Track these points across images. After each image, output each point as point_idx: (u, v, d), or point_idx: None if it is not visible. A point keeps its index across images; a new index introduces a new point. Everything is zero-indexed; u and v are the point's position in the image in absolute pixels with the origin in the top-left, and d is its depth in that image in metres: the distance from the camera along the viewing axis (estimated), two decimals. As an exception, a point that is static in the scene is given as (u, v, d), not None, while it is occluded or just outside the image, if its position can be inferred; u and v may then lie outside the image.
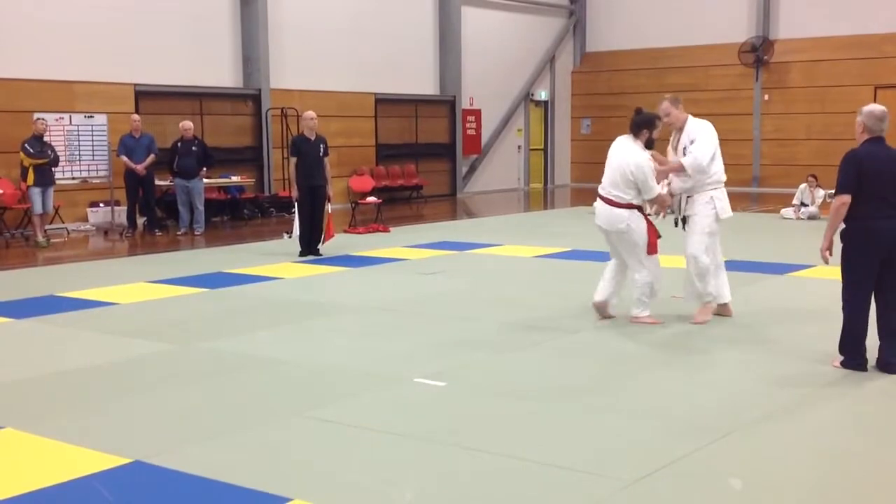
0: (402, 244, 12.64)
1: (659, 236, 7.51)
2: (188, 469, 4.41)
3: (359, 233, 13.98)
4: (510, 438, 4.87)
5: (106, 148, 14.38)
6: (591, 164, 22.22)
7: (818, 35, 21.23)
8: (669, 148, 7.80)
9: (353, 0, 19.06)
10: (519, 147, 23.79)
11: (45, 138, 13.08)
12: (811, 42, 21.35)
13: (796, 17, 21.58)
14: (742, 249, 11.65)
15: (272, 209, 16.81)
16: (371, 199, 15.61)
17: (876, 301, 6.02)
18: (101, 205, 14.99)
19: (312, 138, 11.60)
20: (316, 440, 4.89)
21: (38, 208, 12.91)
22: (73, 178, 14.22)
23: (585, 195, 20.17)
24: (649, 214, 7.63)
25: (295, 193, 11.57)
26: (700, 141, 7.48)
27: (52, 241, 13.19)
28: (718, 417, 5.15)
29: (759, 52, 21.70)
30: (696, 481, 4.28)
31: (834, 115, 21.03)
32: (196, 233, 14.23)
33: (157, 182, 14.72)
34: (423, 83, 21.01)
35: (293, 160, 11.61)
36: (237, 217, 16.25)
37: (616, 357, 6.60)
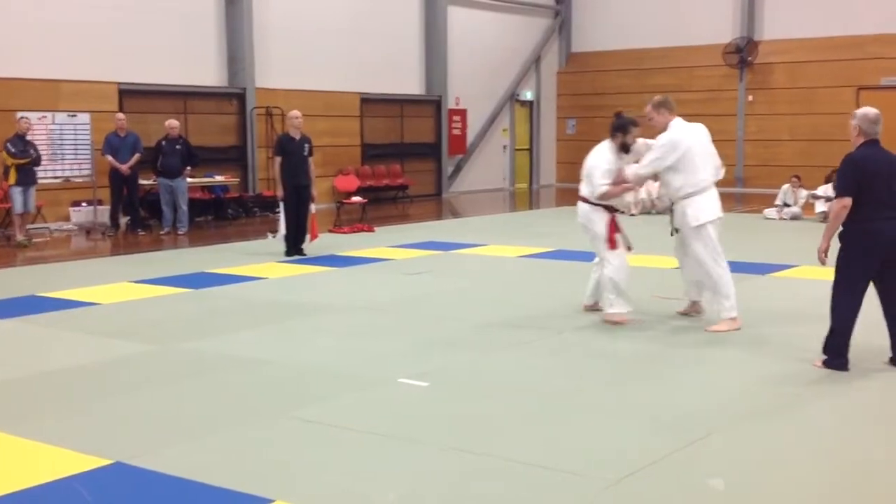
0: (387, 244, 12.63)
1: (618, 231, 7.58)
2: (169, 470, 4.39)
3: (344, 232, 13.96)
4: (494, 439, 4.87)
5: (89, 147, 14.29)
6: (576, 165, 22.18)
7: (802, 36, 21.33)
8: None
9: (340, 0, 19.02)
10: (504, 147, 23.80)
11: (28, 137, 12.99)
12: (795, 43, 21.45)
13: (780, 19, 21.67)
14: (725, 249, 11.68)
15: (256, 209, 16.76)
16: (356, 198, 15.60)
17: (882, 300, 6.06)
18: (84, 204, 14.90)
19: (297, 137, 11.57)
20: (299, 441, 4.87)
21: (18, 207, 12.83)
22: (56, 178, 14.13)
23: (571, 195, 20.17)
24: (633, 214, 7.73)
25: (280, 193, 11.54)
26: (650, 152, 7.41)
27: (33, 240, 13.11)
28: (701, 417, 5.16)
29: (743, 53, 21.79)
30: (679, 480, 4.29)
31: (817, 116, 21.14)
32: (179, 232, 14.17)
33: (141, 181, 14.65)
34: (409, 83, 20.99)
35: (278, 159, 11.57)
36: (221, 217, 16.20)
37: (600, 357, 6.61)
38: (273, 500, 4.04)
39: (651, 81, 22.86)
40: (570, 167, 23.88)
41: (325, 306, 8.46)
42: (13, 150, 12.71)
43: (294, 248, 11.52)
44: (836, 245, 6.12)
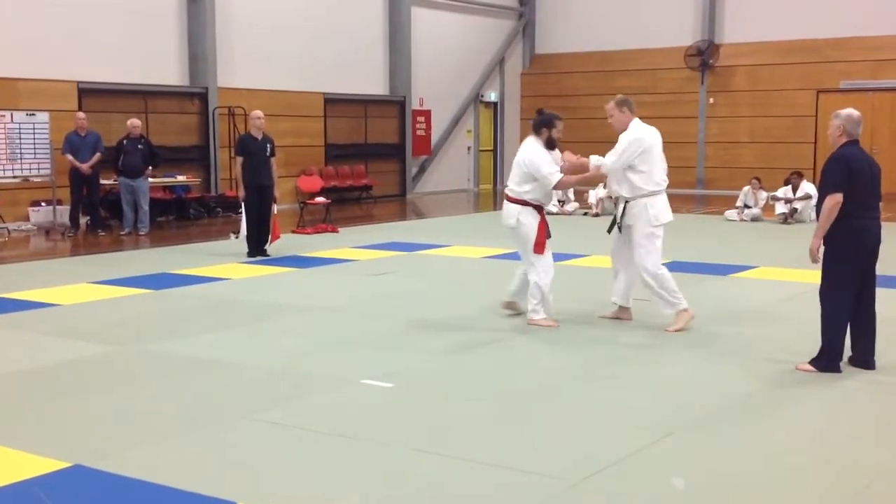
0: (350, 245, 12.60)
1: (548, 236, 7.51)
2: (130, 473, 4.34)
3: (307, 233, 13.89)
4: (458, 440, 4.87)
5: (48, 146, 14.10)
6: (539, 166, 22.31)
7: (762, 39, 21.60)
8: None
9: (303, -1, 18.96)
10: (469, 148, 23.84)
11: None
12: (755, 46, 21.71)
13: (741, 22, 21.93)
14: (686, 250, 11.80)
15: (219, 209, 16.63)
16: (320, 199, 15.53)
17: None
18: (43, 204, 14.70)
19: (259, 138, 11.51)
20: (262, 443, 4.84)
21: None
22: (15, 177, 13.93)
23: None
24: (585, 213, 7.67)
25: (242, 193, 11.46)
26: (616, 147, 7.39)
27: (-9, 240, 12.92)
28: (664, 416, 5.21)
29: (704, 56, 22.02)
30: (642, 480, 4.32)
31: (776, 119, 21.43)
32: (141, 233, 14.03)
33: (102, 181, 14.47)
34: (373, 83, 20.95)
35: (240, 159, 11.50)
36: (183, 217, 16.06)
37: (565, 357, 6.64)
38: (236, 503, 4.01)
39: (614, 83, 23.00)
40: (534, 168, 23.98)
41: (289, 307, 8.42)
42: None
43: (257, 248, 11.45)
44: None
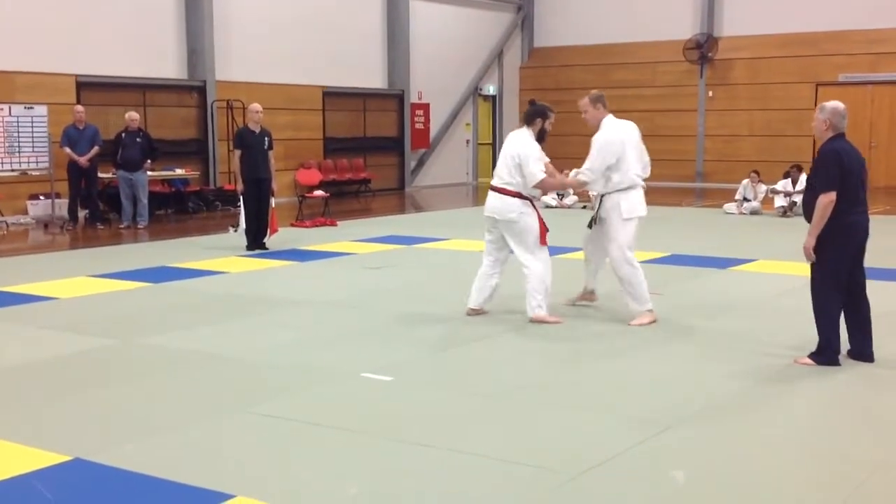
0: (349, 238, 12.59)
1: (547, 229, 7.43)
2: (129, 466, 4.35)
3: (305, 227, 13.89)
4: (456, 433, 4.88)
5: (46, 139, 14.09)
6: (538, 159, 22.33)
7: (761, 33, 21.59)
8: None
9: (301, -8, 18.93)
10: (467, 141, 23.83)
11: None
12: (754, 39, 21.70)
13: (740, 15, 21.91)
14: (685, 244, 11.81)
15: (217, 202, 16.62)
16: (318, 192, 15.51)
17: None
18: (42, 197, 14.70)
19: (257, 131, 11.50)
20: (260, 436, 4.85)
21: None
22: (13, 170, 13.92)
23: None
24: (584, 206, 7.57)
25: (240, 187, 11.45)
26: (591, 154, 7.34)
27: (-10, 234, 12.91)
28: (662, 411, 5.21)
29: (703, 49, 21.99)
30: (640, 474, 4.33)
31: (776, 112, 21.42)
32: (139, 226, 14.02)
33: (100, 174, 14.46)
34: (372, 77, 20.93)
35: (237, 153, 11.49)
36: (182, 210, 16.05)
37: (562, 352, 6.64)
38: (233, 496, 4.01)
39: (613, 77, 23.00)
40: (533, 162, 23.97)
41: (287, 301, 8.42)
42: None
43: (255, 242, 11.45)
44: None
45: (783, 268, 9.95)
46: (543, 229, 7.38)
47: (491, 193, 7.47)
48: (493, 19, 23.94)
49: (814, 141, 20.84)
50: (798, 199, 15.23)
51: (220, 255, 11.08)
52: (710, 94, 22.34)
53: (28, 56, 14.62)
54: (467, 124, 23.79)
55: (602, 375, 6.02)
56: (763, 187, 15.94)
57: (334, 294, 8.71)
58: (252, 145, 11.39)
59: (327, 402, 5.43)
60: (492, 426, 5.01)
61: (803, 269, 9.66)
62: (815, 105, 23.17)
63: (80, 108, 14.24)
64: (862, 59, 20.54)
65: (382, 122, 21.18)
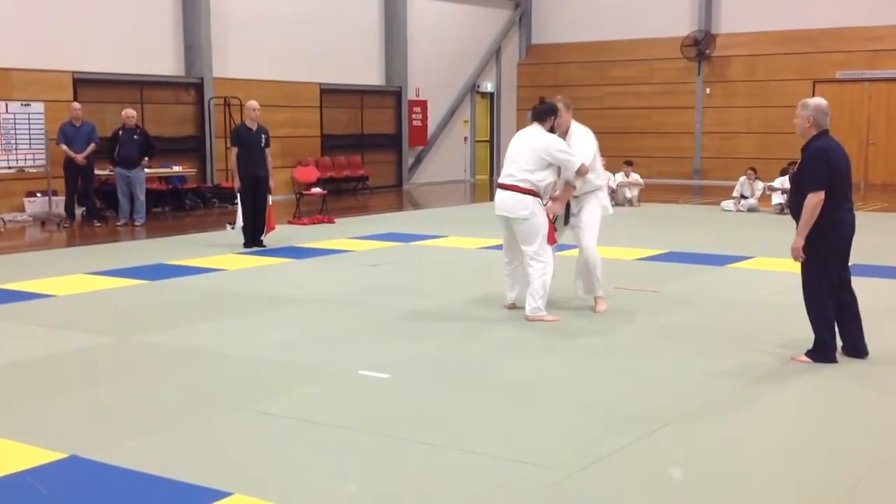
0: (347, 236, 12.59)
1: (556, 229, 7.53)
2: (126, 464, 4.34)
3: (303, 224, 13.88)
4: (454, 431, 4.88)
5: (43, 136, 14.06)
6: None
7: (758, 30, 21.58)
8: None
9: (298, -11, 18.90)
10: (465, 138, 23.82)
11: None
12: (751, 36, 21.70)
13: (737, 12, 21.91)
14: (683, 241, 11.82)
15: (215, 200, 16.60)
16: (316, 189, 15.49)
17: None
18: (39, 195, 14.67)
19: (254, 128, 11.49)
20: (258, 434, 4.84)
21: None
22: (10, 168, 13.89)
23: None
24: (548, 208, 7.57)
25: (237, 184, 11.44)
26: (574, 148, 7.41)
27: (-13, 231, 12.89)
28: (658, 408, 5.21)
29: (701, 46, 21.99)
30: (638, 470, 4.33)
31: (774, 109, 21.41)
32: (137, 223, 14.01)
33: (97, 171, 14.44)
34: (369, 74, 20.91)
35: (234, 150, 11.48)
36: (179, 207, 16.04)
37: (558, 349, 6.64)
38: (231, 494, 4.01)
39: (611, 74, 23.01)
40: (531, 159, 23.98)
41: (285, 298, 8.41)
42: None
43: (253, 239, 11.44)
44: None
45: (780, 265, 9.94)
46: (552, 228, 7.41)
47: (501, 192, 7.43)
48: (490, 16, 23.92)
49: (809, 138, 20.90)
50: (795, 196, 15.25)
51: (217, 252, 11.07)
52: (708, 91, 22.34)
53: (25, 53, 14.59)
54: (465, 121, 23.78)
55: (599, 373, 6.02)
56: (760, 184, 15.94)
57: (332, 291, 8.71)
58: (249, 143, 11.38)
59: (325, 400, 5.43)
60: (489, 424, 5.01)
61: (801, 267, 9.69)
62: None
63: (76, 105, 14.21)
64: (859, 56, 20.54)
65: (380, 119, 21.17)
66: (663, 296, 8.34)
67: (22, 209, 14.68)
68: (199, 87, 17.13)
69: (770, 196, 15.64)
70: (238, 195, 11.49)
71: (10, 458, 4.42)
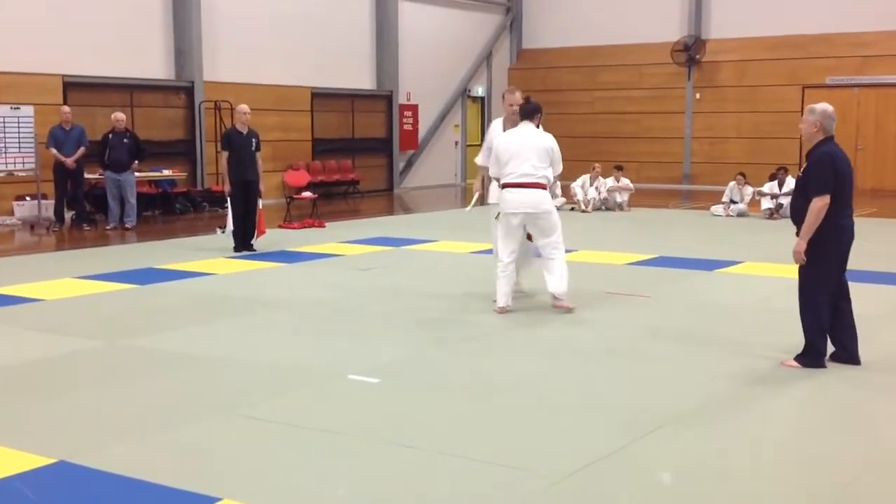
0: (337, 240, 12.58)
1: None
2: (115, 469, 4.33)
3: (294, 228, 13.86)
4: (444, 435, 4.88)
5: (33, 140, 14.01)
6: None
7: (748, 35, 21.66)
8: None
9: (289, -7, 18.89)
10: (456, 143, 23.83)
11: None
12: (741, 42, 21.77)
13: (727, 18, 21.98)
14: (672, 245, 11.84)
15: (205, 203, 16.57)
16: (307, 193, 15.48)
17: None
18: (28, 198, 14.62)
19: (245, 132, 11.47)
20: (247, 438, 4.83)
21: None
22: (-1, 171, 13.85)
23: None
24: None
25: (227, 188, 11.43)
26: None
27: (-25, 235, 12.83)
28: (649, 412, 5.21)
29: (691, 52, 22.05)
30: (626, 476, 4.34)
31: (762, 115, 21.49)
32: (127, 226, 13.97)
33: (87, 175, 14.40)
34: (360, 78, 20.91)
35: (225, 154, 11.46)
36: (169, 211, 16.00)
37: (550, 352, 6.64)
38: (220, 499, 4.00)
39: (601, 78, 23.06)
40: (521, 163, 24.00)
41: (275, 302, 8.40)
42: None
43: (243, 244, 11.42)
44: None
45: (770, 270, 9.99)
46: None
47: (521, 190, 7.60)
48: (481, 21, 23.95)
49: (800, 143, 20.94)
50: (784, 201, 15.28)
51: (207, 256, 11.05)
52: (698, 96, 22.40)
53: (14, 56, 14.54)
54: (456, 126, 23.79)
55: (588, 377, 6.03)
56: (749, 189, 15.99)
57: (322, 295, 8.70)
58: (240, 146, 11.37)
59: (314, 405, 5.42)
60: (479, 428, 5.01)
61: (790, 272, 9.69)
62: (802, 108, 23.09)
63: (66, 108, 14.17)
64: (849, 62, 20.63)
65: (371, 124, 21.17)
66: (653, 300, 8.36)
67: (11, 213, 14.62)
68: (189, 91, 17.10)
69: (759, 201, 15.68)
70: (228, 199, 11.47)
71: (-3, 463, 4.40)
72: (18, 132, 13.93)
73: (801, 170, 6.16)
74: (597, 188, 16.74)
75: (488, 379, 5.95)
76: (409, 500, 4.07)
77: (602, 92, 22.93)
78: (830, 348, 6.17)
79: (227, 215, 11.62)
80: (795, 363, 6.10)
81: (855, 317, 6.20)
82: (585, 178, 16.76)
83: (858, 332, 6.19)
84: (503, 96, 8.27)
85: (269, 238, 11.97)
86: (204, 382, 5.89)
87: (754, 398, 5.56)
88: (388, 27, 20.99)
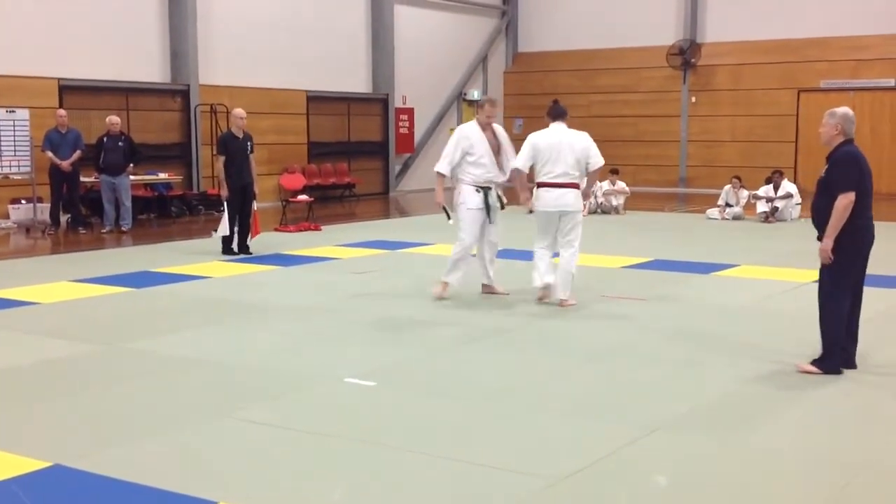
0: (333, 243, 12.57)
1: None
2: (110, 472, 4.32)
3: (290, 231, 13.86)
4: (439, 438, 4.88)
5: (28, 143, 14.00)
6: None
7: (743, 39, 21.70)
8: (488, 144, 8.36)
9: (285, -4, 18.90)
10: (451, 146, 23.80)
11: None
12: (737, 46, 21.81)
13: (722, 22, 22.03)
14: (668, 249, 11.85)
15: (201, 207, 16.56)
16: (302, 197, 15.48)
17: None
18: (24, 201, 14.60)
19: (241, 136, 11.48)
20: (243, 442, 4.83)
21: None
22: (-6, 175, 13.84)
23: (517, 194, 20.26)
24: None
25: (224, 193, 11.41)
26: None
27: (-29, 238, 12.81)
28: (645, 414, 5.22)
29: (686, 55, 22.09)
30: (621, 479, 4.34)
31: (758, 118, 21.53)
32: (123, 229, 13.96)
33: (82, 178, 14.39)
34: (356, 81, 20.91)
35: (221, 158, 11.45)
36: (164, 215, 15.99)
37: (547, 355, 6.65)
38: (216, 502, 4.00)
39: (597, 82, 23.08)
40: (517, 166, 24.03)
41: (271, 306, 8.39)
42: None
43: (240, 247, 11.41)
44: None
45: (765, 273, 10.00)
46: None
47: (558, 189, 7.97)
48: (477, 24, 23.98)
49: (795, 147, 21.02)
50: (780, 204, 15.31)
51: (203, 259, 11.04)
52: (693, 99, 22.44)
53: (10, 59, 14.53)
54: (451, 129, 23.76)
55: (585, 379, 6.03)
56: (745, 193, 16.00)
57: (318, 299, 8.70)
58: (236, 151, 11.37)
59: (311, 408, 5.42)
60: (474, 431, 5.01)
61: (786, 275, 9.75)
62: (797, 111, 23.17)
63: (62, 111, 14.16)
64: (843, 65, 20.68)
65: (367, 127, 21.17)
66: (649, 304, 8.37)
67: (6, 216, 14.61)
68: (185, 94, 17.10)
69: (755, 204, 15.70)
70: (225, 203, 11.44)
71: (-7, 467, 4.39)
72: (14, 135, 13.91)
73: (824, 171, 6.06)
74: (593, 191, 16.74)
75: (484, 381, 5.95)
76: (405, 504, 4.07)
77: (598, 95, 22.96)
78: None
79: (222, 219, 11.53)
80: (813, 368, 5.98)
81: (863, 321, 6.17)
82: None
83: (867, 335, 6.13)
84: (485, 105, 8.46)
85: (264, 241, 11.95)
86: (200, 386, 5.88)
87: (748, 401, 5.56)
88: (383, 30, 21.01)
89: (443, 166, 8.49)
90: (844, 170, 5.86)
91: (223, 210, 11.56)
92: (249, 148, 11.50)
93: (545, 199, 8.01)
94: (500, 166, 8.41)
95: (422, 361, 6.48)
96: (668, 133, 22.54)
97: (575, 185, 7.97)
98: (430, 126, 22.97)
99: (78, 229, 14.00)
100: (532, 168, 8.17)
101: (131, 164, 14.26)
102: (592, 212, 16.57)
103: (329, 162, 20.06)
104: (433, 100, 22.89)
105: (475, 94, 24.20)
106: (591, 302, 8.27)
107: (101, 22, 15.82)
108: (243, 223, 11.43)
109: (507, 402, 5.50)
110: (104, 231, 13.94)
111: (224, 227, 11.37)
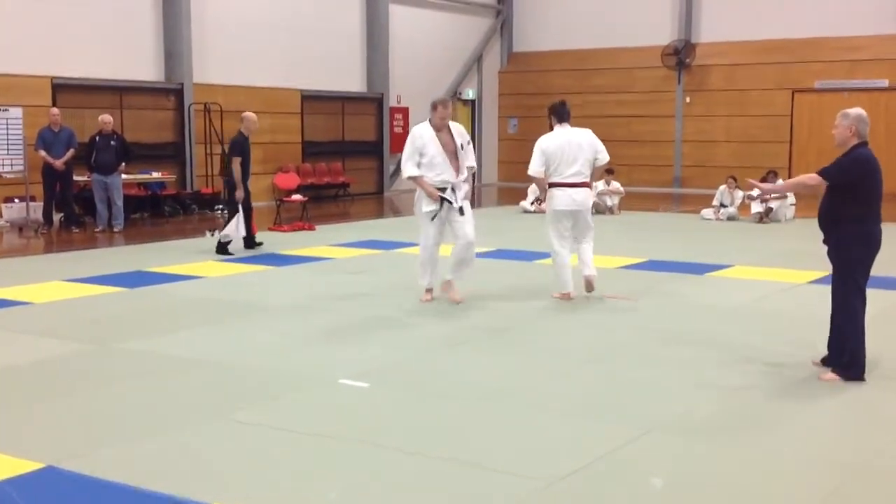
0: (327, 243, 12.55)
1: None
2: (104, 474, 4.29)
3: (284, 231, 13.82)
4: (434, 439, 4.86)
5: (21, 142, 13.93)
6: (518, 164, 22.31)
7: (738, 39, 21.72)
8: (441, 144, 8.20)
9: (279, -5, 18.86)
10: (446, 146, 23.79)
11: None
12: (731, 46, 21.83)
13: (717, 22, 22.04)
14: (662, 249, 11.85)
15: (194, 206, 16.51)
16: (296, 196, 15.45)
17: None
18: (16, 200, 14.54)
19: (250, 138, 11.82)
20: (237, 443, 4.81)
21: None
22: (-13, 173, 13.77)
23: (512, 194, 20.28)
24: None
25: (240, 194, 11.41)
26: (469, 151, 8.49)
27: (-37, 237, 12.76)
28: (642, 415, 5.20)
29: (681, 56, 22.11)
30: (616, 480, 4.32)
31: (752, 118, 21.55)
32: (115, 229, 13.91)
33: (75, 177, 14.33)
34: (351, 80, 20.88)
35: (238, 160, 11.48)
36: (158, 214, 15.94)
37: (542, 355, 6.63)
38: (210, 503, 3.98)
39: (592, 82, 23.08)
40: (512, 166, 24.03)
41: (265, 306, 8.37)
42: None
43: (253, 241, 11.73)
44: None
45: (760, 273, 10.00)
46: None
47: (574, 189, 8.18)
48: (472, 24, 23.96)
49: (790, 147, 21.04)
50: (774, 205, 15.32)
51: (196, 259, 11.01)
52: (688, 99, 22.45)
53: (3, 58, 14.46)
54: (447, 129, 23.76)
55: (581, 380, 6.02)
56: (740, 193, 16.01)
57: (312, 299, 8.67)
58: (247, 152, 11.64)
59: (306, 409, 5.39)
60: (470, 432, 4.99)
61: (780, 275, 9.76)
62: (792, 112, 23.16)
63: (55, 110, 14.10)
64: (838, 66, 20.70)
65: (361, 126, 21.14)
66: (644, 304, 8.36)
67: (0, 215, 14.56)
68: (178, 93, 17.05)
69: (749, 205, 15.71)
70: (240, 205, 11.44)
71: (-15, 468, 4.36)
72: (7, 134, 13.84)
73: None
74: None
75: (479, 382, 5.93)
76: (401, 505, 4.05)
77: (593, 95, 22.95)
78: (824, 352, 6.15)
79: (232, 220, 11.38)
80: (836, 376, 5.88)
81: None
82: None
83: (870, 336, 6.11)
84: (438, 106, 8.39)
85: (258, 240, 11.93)
86: (193, 386, 5.85)
87: (743, 402, 5.55)
88: (378, 30, 20.98)
89: (411, 170, 8.16)
90: (846, 165, 5.80)
91: (239, 212, 11.41)
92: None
93: (560, 199, 8.19)
94: (456, 168, 8.15)
95: (420, 361, 6.47)
96: (662, 133, 22.54)
97: (587, 184, 8.24)
98: (425, 126, 22.91)
99: (71, 228, 13.95)
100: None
101: (123, 164, 14.21)
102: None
103: (323, 161, 20.02)
104: (428, 99, 22.51)
105: (470, 93, 24.20)
106: (588, 302, 8.25)
107: (94, 20, 15.77)
108: (249, 219, 11.67)
109: (506, 403, 5.49)
110: (97, 230, 13.89)
111: (241, 228, 11.37)
